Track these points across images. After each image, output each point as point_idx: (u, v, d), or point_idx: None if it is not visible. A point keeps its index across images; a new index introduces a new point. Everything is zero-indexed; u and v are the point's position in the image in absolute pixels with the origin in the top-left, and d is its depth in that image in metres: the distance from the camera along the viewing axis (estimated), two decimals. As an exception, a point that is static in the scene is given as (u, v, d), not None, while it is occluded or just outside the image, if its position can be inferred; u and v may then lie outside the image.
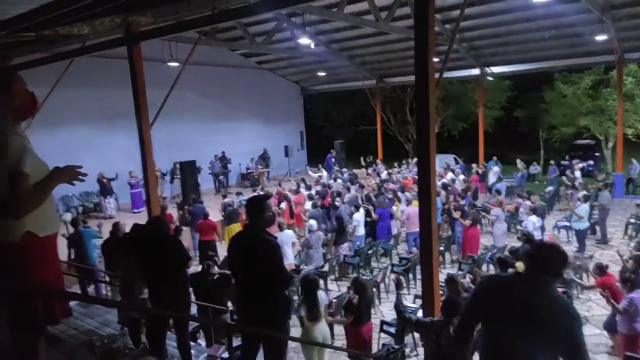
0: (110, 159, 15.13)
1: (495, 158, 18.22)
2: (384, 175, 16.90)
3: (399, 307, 4.81)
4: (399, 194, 13.27)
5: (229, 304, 6.60)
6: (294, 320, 6.26)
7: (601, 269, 6.92)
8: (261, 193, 13.80)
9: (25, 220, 2.37)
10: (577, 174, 15.89)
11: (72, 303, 6.28)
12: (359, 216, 11.10)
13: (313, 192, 13.86)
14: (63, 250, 8.94)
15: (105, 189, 14.60)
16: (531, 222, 10.19)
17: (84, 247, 8.78)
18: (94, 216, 14.36)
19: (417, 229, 10.50)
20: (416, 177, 8.00)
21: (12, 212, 2.28)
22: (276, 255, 3.83)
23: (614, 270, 7.57)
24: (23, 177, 2.30)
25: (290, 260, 9.39)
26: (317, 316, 5.67)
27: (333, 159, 20.94)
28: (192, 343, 5.73)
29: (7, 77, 2.58)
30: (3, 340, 2.63)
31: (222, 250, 9.72)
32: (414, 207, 10.87)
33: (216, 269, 7.13)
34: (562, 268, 2.58)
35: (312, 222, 10.21)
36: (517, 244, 9.27)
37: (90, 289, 9.16)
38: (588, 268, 8.58)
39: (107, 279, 7.94)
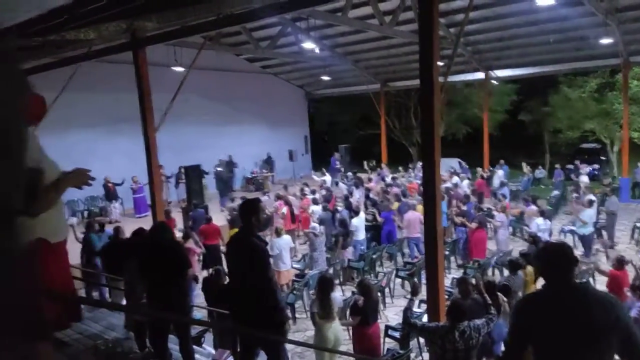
0: (116, 163, 15.18)
1: (502, 162, 18.13)
2: (388, 179, 16.87)
3: (407, 312, 4.80)
4: (402, 199, 13.21)
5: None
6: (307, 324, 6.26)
7: (620, 262, 6.91)
8: (271, 196, 13.84)
9: (36, 226, 2.36)
10: (584, 178, 15.79)
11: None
12: (357, 221, 11.08)
13: (317, 196, 13.86)
14: (73, 254, 8.99)
15: (111, 194, 14.67)
16: (535, 224, 10.13)
17: (90, 252, 8.86)
18: (98, 221, 14.41)
19: (418, 234, 10.65)
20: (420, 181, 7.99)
21: (29, 209, 2.23)
22: (263, 260, 3.81)
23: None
24: (42, 175, 2.28)
25: (287, 266, 9.36)
26: (329, 315, 5.67)
27: (337, 162, 20.92)
28: (197, 347, 5.72)
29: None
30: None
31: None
32: (415, 213, 10.92)
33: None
34: (574, 262, 2.55)
35: (315, 224, 10.19)
36: (522, 248, 9.24)
37: (95, 294, 9.20)
38: (596, 269, 8.51)
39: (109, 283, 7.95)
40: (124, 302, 6.17)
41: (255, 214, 3.84)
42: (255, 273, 3.77)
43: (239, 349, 4.44)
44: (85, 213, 15.11)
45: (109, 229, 10.55)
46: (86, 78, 12.15)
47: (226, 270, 7.27)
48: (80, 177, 2.53)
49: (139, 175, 14.03)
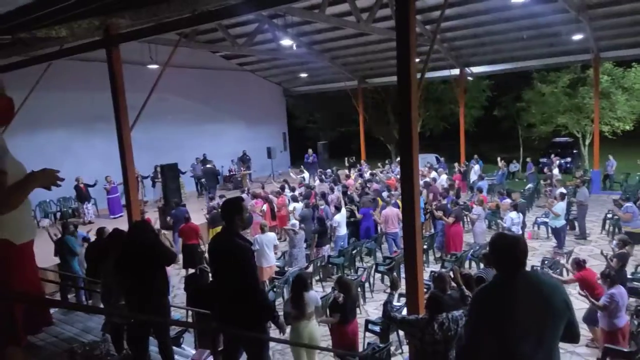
0: (90, 163, 14.90)
1: (476, 156, 18.43)
2: (367, 175, 16.95)
3: (387, 305, 4.85)
4: (384, 193, 13.28)
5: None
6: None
7: (579, 264, 7.03)
8: (249, 194, 13.77)
9: (1, 227, 2.30)
10: (556, 171, 16.18)
11: (51, 310, 6.17)
12: (339, 217, 11.17)
13: (296, 193, 13.83)
14: (47, 257, 8.82)
15: (83, 195, 14.33)
16: (509, 218, 10.36)
17: (65, 255, 8.71)
18: (71, 222, 14.12)
19: (395, 230, 10.81)
20: (399, 177, 8.05)
21: None
22: (247, 260, 3.78)
23: (593, 264, 7.67)
24: (3, 176, 2.22)
25: (271, 262, 9.35)
26: (302, 314, 5.66)
27: (310, 158, 20.95)
28: (176, 348, 5.66)
29: None
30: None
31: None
32: (392, 209, 11.06)
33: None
34: (524, 254, 2.63)
35: (295, 221, 10.16)
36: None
37: (71, 297, 9.03)
38: (566, 264, 8.70)
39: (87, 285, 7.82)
40: (100, 305, 6.06)
41: (239, 214, 3.80)
42: (240, 273, 3.74)
43: (220, 349, 4.42)
44: (58, 214, 14.77)
45: (82, 230, 10.40)
46: (58, 76, 11.85)
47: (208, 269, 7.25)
48: (48, 177, 2.45)
49: (113, 175, 13.77)
